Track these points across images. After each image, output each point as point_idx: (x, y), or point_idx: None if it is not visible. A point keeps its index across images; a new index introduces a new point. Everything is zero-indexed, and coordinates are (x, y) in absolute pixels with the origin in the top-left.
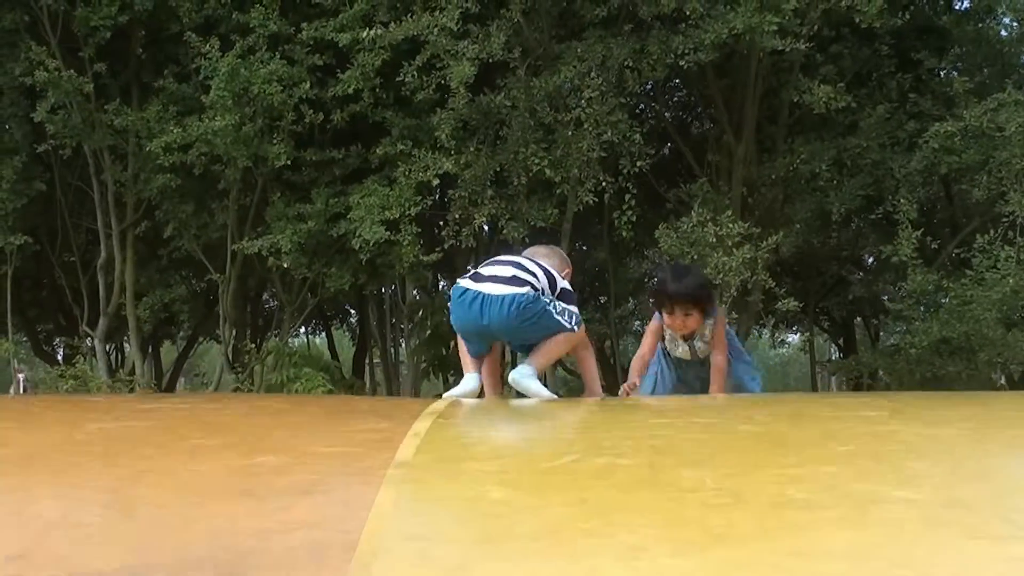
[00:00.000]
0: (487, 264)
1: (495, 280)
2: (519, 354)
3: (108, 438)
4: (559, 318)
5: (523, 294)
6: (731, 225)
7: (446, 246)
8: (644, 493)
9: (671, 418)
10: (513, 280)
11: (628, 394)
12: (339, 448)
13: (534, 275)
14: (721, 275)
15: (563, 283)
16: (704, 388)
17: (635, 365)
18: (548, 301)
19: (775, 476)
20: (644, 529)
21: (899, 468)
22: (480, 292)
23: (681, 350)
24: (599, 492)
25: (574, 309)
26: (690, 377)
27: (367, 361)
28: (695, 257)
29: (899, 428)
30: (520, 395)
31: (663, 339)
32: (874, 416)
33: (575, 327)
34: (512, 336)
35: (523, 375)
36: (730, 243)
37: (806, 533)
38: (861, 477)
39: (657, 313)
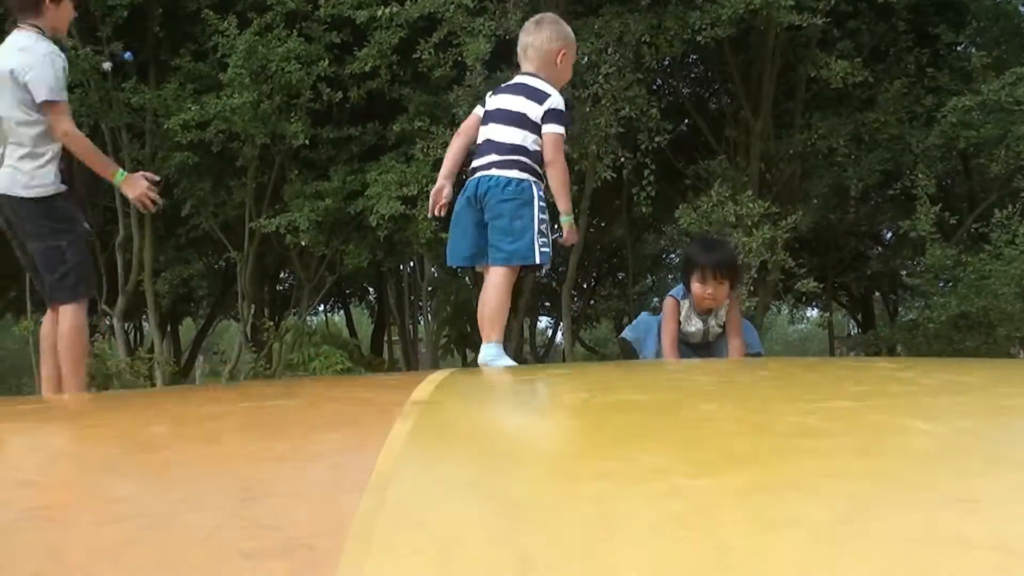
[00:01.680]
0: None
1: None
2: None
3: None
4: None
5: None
6: (751, 204)
7: None
8: (662, 420)
9: (687, 370)
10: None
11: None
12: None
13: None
14: (742, 255)
15: (557, 100)
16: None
17: (668, 348)
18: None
19: (793, 409)
20: (662, 453)
21: (916, 404)
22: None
23: (694, 328)
24: (615, 421)
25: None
26: (702, 355)
27: (386, 338)
28: (715, 236)
29: (917, 375)
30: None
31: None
32: (891, 367)
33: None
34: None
35: (491, 357)
36: (750, 223)
37: (826, 458)
38: (878, 411)
39: (674, 292)
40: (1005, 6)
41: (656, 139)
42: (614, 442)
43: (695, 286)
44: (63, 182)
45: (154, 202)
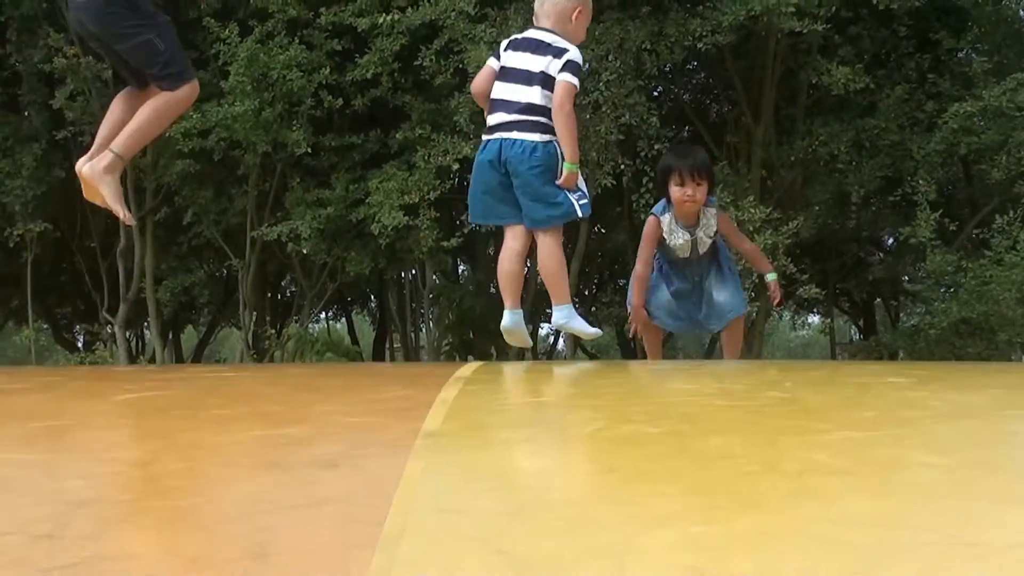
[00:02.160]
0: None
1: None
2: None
3: (134, 409)
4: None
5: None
6: (752, 210)
7: (466, 231)
8: (673, 462)
9: (698, 384)
10: (528, 111)
11: (637, 328)
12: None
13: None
14: (743, 261)
15: (575, 55)
16: (703, 285)
17: (636, 287)
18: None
19: (801, 443)
20: (673, 498)
21: (924, 433)
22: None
23: (682, 240)
24: (628, 461)
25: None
26: (690, 275)
27: (387, 346)
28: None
29: (925, 396)
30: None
31: (662, 246)
32: (899, 381)
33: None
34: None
35: (564, 319)
36: (751, 228)
37: (833, 500)
38: (886, 443)
39: (655, 209)
40: (1006, 11)
41: (656, 146)
42: (625, 484)
43: (674, 191)
44: None
45: None
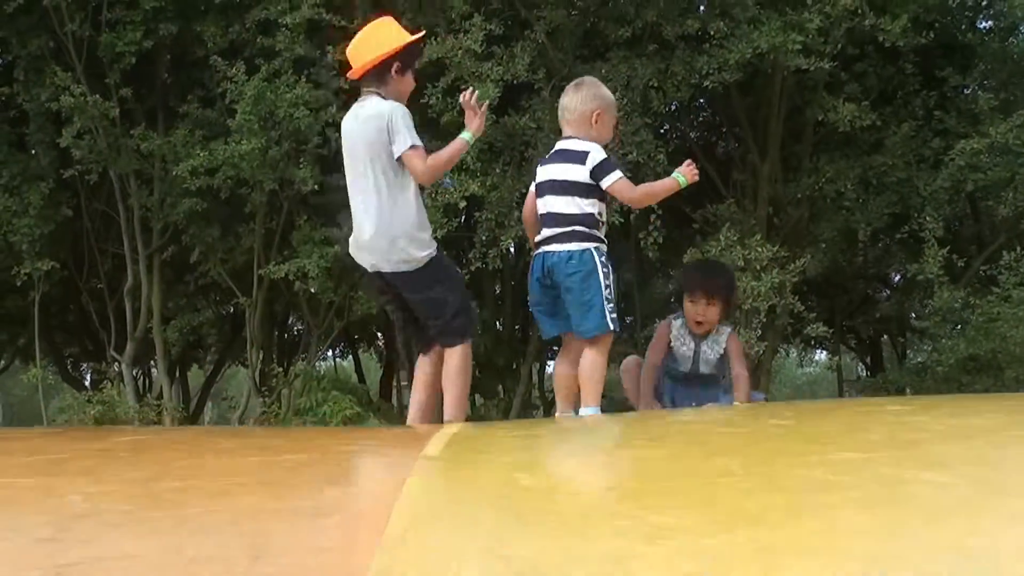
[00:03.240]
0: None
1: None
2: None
3: (135, 445)
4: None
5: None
6: (759, 248)
7: (473, 268)
8: (675, 475)
9: (700, 417)
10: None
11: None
12: (366, 448)
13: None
14: (751, 300)
15: (597, 154)
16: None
17: (647, 375)
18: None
19: (801, 462)
20: (674, 511)
21: (925, 453)
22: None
23: (686, 348)
24: (630, 478)
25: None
26: (684, 399)
27: (394, 384)
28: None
29: (926, 421)
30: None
31: (669, 347)
32: (900, 409)
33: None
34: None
35: (591, 414)
36: (758, 267)
37: (834, 513)
38: (887, 462)
39: (669, 319)
40: (1012, 49)
41: None
42: (625, 499)
43: (687, 305)
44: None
45: None
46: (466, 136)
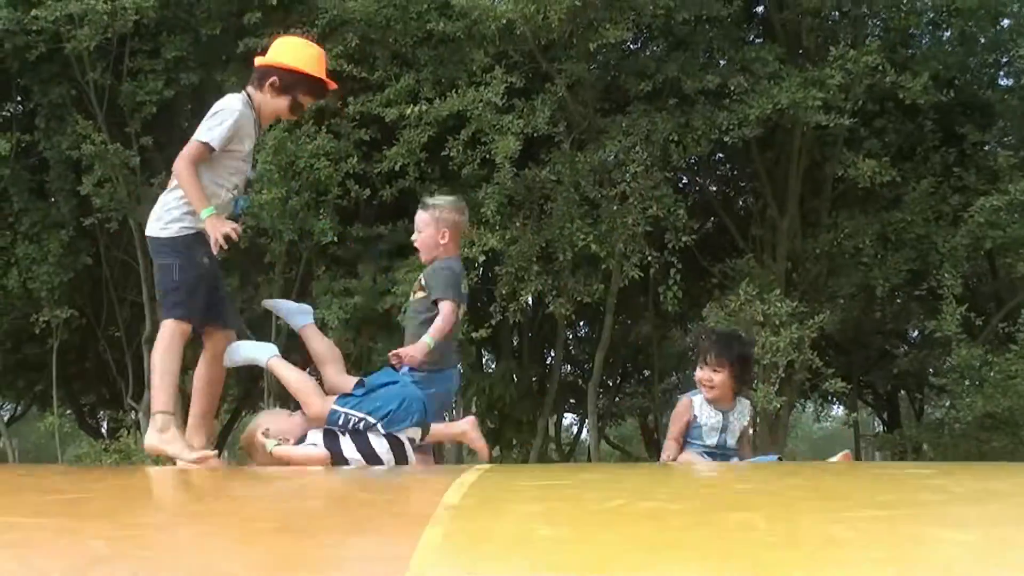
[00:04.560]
0: None
1: None
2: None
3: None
4: None
5: None
6: (778, 304)
7: (494, 322)
8: (693, 533)
9: (719, 473)
10: None
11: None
12: (384, 495)
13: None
14: (769, 355)
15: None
16: None
17: (669, 445)
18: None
19: (822, 519)
20: (692, 564)
21: (946, 513)
22: None
23: (712, 422)
24: (648, 531)
25: None
26: None
27: None
28: (742, 335)
29: (947, 483)
30: None
31: (692, 426)
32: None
33: None
34: None
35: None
36: (777, 322)
37: (854, 571)
38: (908, 520)
39: (688, 395)
40: None
41: (684, 239)
42: (644, 552)
43: (697, 371)
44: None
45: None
46: (205, 212)
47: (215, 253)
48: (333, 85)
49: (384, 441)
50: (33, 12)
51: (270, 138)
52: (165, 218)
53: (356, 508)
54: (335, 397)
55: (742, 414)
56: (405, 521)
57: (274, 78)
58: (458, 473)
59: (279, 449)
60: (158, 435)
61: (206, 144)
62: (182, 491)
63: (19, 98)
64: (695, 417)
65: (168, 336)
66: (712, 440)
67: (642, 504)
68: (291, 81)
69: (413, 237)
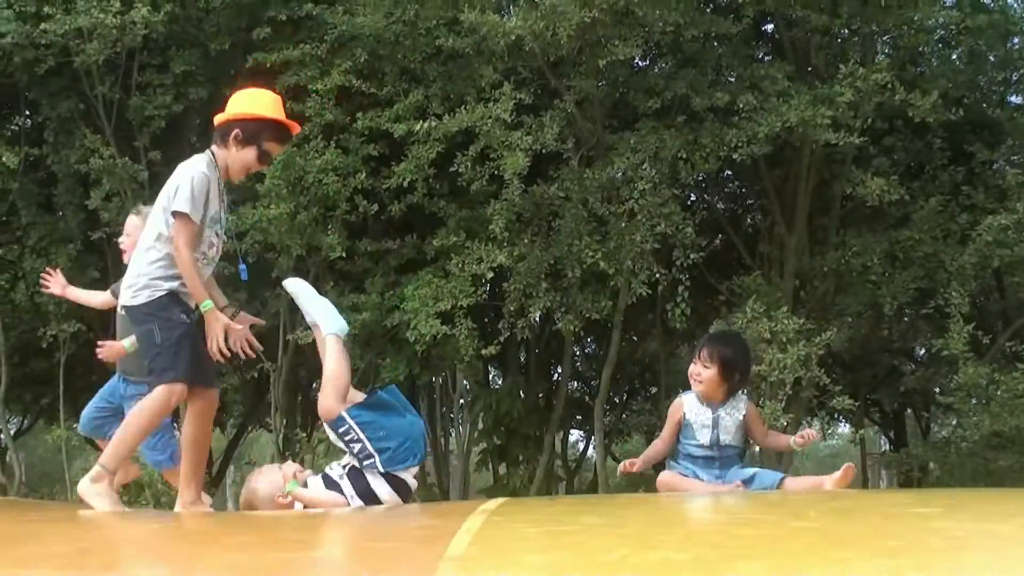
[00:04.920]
0: None
1: None
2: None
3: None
4: None
5: None
6: (786, 321)
7: (502, 339)
8: None
9: (726, 514)
10: None
11: (627, 469)
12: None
13: None
14: (777, 372)
15: None
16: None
17: (654, 444)
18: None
19: (825, 571)
20: None
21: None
22: None
23: (704, 418)
24: None
25: None
26: (707, 479)
27: None
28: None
29: (951, 525)
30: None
31: (684, 425)
32: (927, 512)
33: None
34: None
35: None
36: (784, 339)
37: None
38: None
39: (679, 393)
40: None
41: (692, 256)
42: None
43: (690, 367)
44: None
45: (250, 346)
46: (206, 306)
47: (213, 356)
48: (296, 127)
49: (384, 483)
50: (42, 26)
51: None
52: (137, 284)
53: (360, 559)
54: (350, 404)
55: (736, 409)
56: (416, 564)
57: (236, 130)
58: (464, 516)
59: (297, 491)
60: (89, 483)
61: (188, 216)
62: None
63: (27, 112)
64: (684, 415)
65: (160, 402)
66: (705, 438)
67: (648, 555)
68: (254, 129)
69: (120, 239)
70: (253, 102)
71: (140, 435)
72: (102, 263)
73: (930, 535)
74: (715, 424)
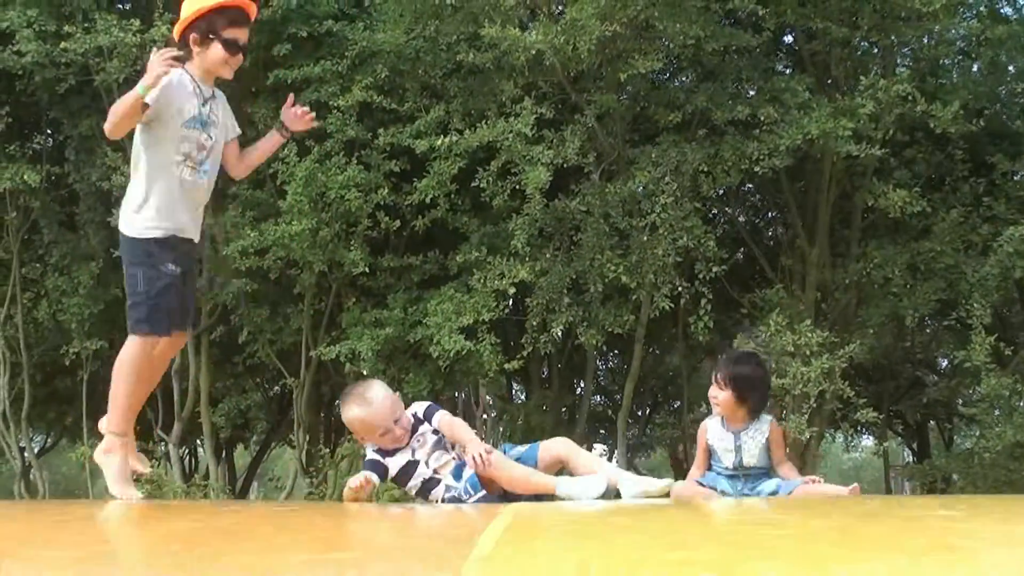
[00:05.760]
0: None
1: None
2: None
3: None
4: None
5: None
6: (809, 334)
7: (525, 353)
8: None
9: (747, 514)
10: None
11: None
12: (415, 540)
13: None
14: (800, 385)
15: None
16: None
17: (691, 472)
18: None
19: (848, 570)
20: None
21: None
22: None
23: (727, 442)
24: None
25: None
26: (734, 493)
27: None
28: (772, 365)
29: (975, 527)
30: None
31: (710, 450)
32: (950, 515)
33: None
34: None
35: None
36: (808, 352)
37: None
38: (936, 569)
39: (705, 420)
40: None
41: (714, 269)
42: None
43: (710, 388)
44: None
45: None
46: (139, 90)
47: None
48: (248, 3)
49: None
50: (62, 45)
51: (300, 169)
52: (128, 209)
53: (386, 555)
54: None
55: (758, 432)
56: (436, 571)
57: (192, 35)
58: (490, 518)
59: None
60: (103, 454)
61: (140, 97)
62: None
63: (49, 131)
64: (707, 441)
65: (132, 354)
66: (728, 462)
67: (672, 554)
68: (205, 25)
69: None
70: (193, 4)
71: (129, 389)
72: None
73: (955, 536)
74: (738, 449)
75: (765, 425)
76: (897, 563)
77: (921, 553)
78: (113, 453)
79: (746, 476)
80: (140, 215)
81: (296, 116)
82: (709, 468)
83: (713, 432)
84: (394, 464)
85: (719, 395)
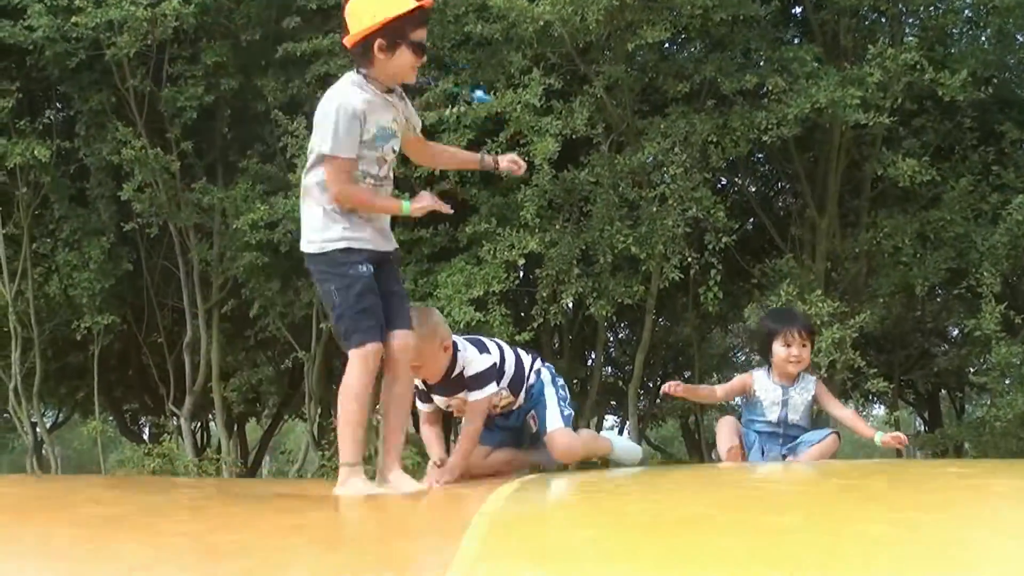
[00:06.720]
0: None
1: None
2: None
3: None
4: None
5: None
6: (820, 304)
7: (536, 325)
8: (736, 537)
9: (768, 475)
10: None
11: (670, 390)
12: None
13: None
14: (812, 355)
15: None
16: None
17: (699, 388)
18: None
19: (865, 520)
20: (735, 568)
21: (997, 517)
22: None
23: (774, 395)
24: (690, 537)
25: None
26: (773, 451)
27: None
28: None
29: (992, 482)
30: None
31: (753, 402)
32: (966, 472)
33: None
34: None
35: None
36: (819, 322)
37: (900, 569)
38: (956, 524)
39: (751, 371)
40: None
41: (724, 239)
42: (688, 559)
43: (779, 351)
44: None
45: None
46: (405, 207)
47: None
48: (413, 7)
49: None
50: (73, 19)
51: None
52: (309, 234)
53: (396, 515)
54: None
55: (806, 389)
56: (444, 528)
57: (378, 41)
58: (498, 484)
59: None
60: (341, 487)
61: (336, 158)
62: (223, 502)
63: (59, 105)
64: (754, 392)
65: (359, 370)
66: (773, 415)
67: (683, 511)
68: (393, 31)
69: None
70: (371, 10)
71: (356, 415)
72: (135, 255)
73: (971, 491)
74: (785, 403)
75: (811, 384)
76: (916, 515)
77: (939, 508)
78: (349, 485)
79: (785, 435)
80: (321, 232)
81: (511, 161)
82: (739, 416)
83: (761, 384)
84: None
85: (803, 353)
